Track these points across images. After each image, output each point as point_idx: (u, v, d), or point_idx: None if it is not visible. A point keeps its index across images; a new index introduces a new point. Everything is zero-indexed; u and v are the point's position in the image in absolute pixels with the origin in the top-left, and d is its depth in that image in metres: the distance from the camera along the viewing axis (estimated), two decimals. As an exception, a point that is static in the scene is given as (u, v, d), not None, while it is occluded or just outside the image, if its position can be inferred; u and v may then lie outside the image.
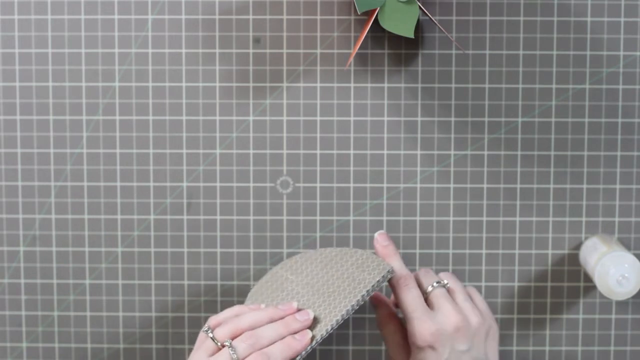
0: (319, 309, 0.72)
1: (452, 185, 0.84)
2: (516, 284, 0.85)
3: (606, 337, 0.85)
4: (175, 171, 0.84)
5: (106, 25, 0.83)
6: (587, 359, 0.85)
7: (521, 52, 0.83)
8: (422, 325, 0.72)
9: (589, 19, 0.83)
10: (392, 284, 0.75)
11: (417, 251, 0.85)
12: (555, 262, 0.85)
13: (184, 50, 0.84)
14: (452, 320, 0.72)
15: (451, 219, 0.84)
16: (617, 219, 0.84)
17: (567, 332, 0.85)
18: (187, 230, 0.85)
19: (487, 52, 0.83)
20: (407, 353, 0.76)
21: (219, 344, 0.69)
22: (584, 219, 0.84)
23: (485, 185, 0.84)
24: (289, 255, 0.85)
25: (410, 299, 0.73)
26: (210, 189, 0.85)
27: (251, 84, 0.84)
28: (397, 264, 0.76)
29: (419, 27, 0.83)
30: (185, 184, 0.85)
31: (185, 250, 0.85)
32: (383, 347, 0.86)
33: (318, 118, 0.84)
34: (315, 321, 0.71)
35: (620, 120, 0.83)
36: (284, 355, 0.68)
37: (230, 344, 0.68)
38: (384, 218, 0.84)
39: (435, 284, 0.75)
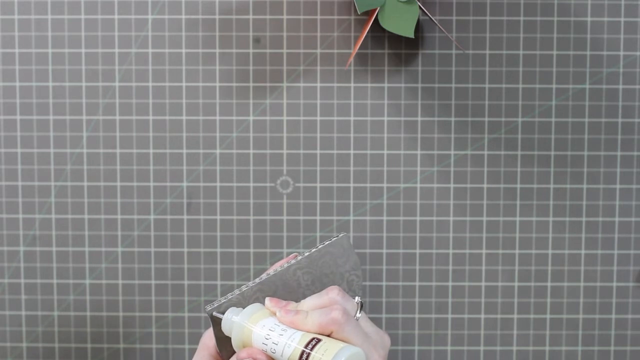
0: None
1: (452, 185, 0.84)
2: (516, 284, 0.85)
3: (606, 337, 0.85)
4: (175, 171, 0.84)
5: (106, 25, 0.83)
6: (587, 359, 0.85)
7: (521, 52, 0.83)
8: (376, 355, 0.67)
9: (589, 19, 0.83)
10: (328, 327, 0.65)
11: (417, 251, 0.85)
12: (555, 262, 0.85)
13: (184, 50, 0.84)
14: (387, 339, 0.69)
15: (451, 219, 0.84)
16: (617, 219, 0.84)
17: (567, 332, 0.85)
18: (187, 230, 0.85)
19: (487, 52, 0.83)
20: None
21: None
22: (584, 219, 0.84)
23: (485, 185, 0.84)
24: (289, 255, 0.85)
25: (357, 330, 0.66)
26: (210, 189, 0.85)
27: (251, 84, 0.84)
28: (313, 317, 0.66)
29: (419, 27, 0.83)
30: (185, 184, 0.85)
31: (185, 250, 0.85)
32: (383, 347, 0.86)
33: (318, 118, 0.84)
34: None
35: (620, 120, 0.83)
36: None
37: None
38: (384, 218, 0.84)
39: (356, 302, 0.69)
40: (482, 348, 0.86)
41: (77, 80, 0.84)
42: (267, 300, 0.68)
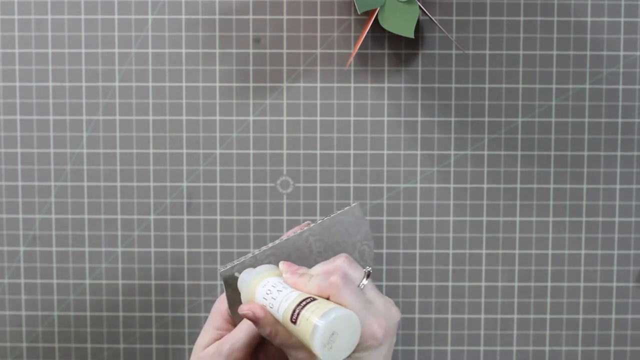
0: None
1: (452, 185, 0.84)
2: (516, 284, 0.85)
3: (606, 337, 0.85)
4: (175, 171, 0.84)
5: (106, 25, 0.83)
6: (587, 359, 0.85)
7: (521, 52, 0.83)
8: (377, 321, 0.65)
9: (589, 19, 0.83)
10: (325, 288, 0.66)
11: (417, 251, 0.85)
12: (555, 262, 0.85)
13: (184, 50, 0.84)
14: (395, 312, 0.68)
15: (451, 219, 0.84)
16: (617, 219, 0.84)
17: (567, 332, 0.85)
18: (187, 230, 0.85)
19: (487, 52, 0.83)
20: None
21: None
22: (584, 219, 0.84)
23: (485, 185, 0.84)
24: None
25: (356, 296, 0.65)
26: (210, 189, 0.85)
27: (251, 84, 0.84)
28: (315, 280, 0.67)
29: (419, 27, 0.83)
30: (185, 184, 0.85)
31: (185, 250, 0.85)
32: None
33: (318, 118, 0.84)
34: None
35: (620, 120, 0.83)
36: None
37: None
38: (384, 218, 0.84)
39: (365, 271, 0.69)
40: (482, 348, 0.86)
41: (77, 80, 0.84)
42: (281, 263, 0.69)
